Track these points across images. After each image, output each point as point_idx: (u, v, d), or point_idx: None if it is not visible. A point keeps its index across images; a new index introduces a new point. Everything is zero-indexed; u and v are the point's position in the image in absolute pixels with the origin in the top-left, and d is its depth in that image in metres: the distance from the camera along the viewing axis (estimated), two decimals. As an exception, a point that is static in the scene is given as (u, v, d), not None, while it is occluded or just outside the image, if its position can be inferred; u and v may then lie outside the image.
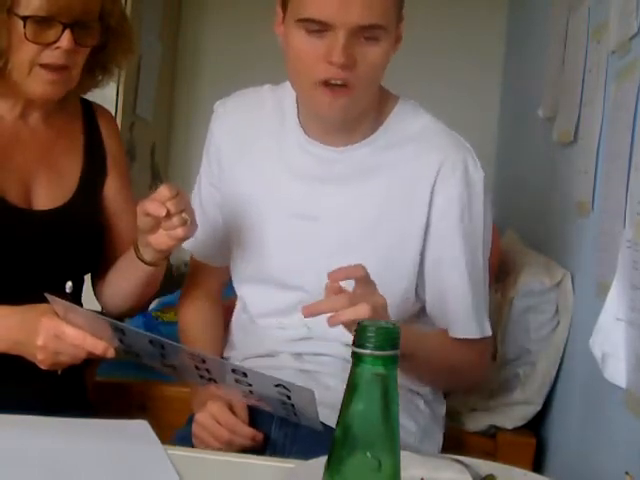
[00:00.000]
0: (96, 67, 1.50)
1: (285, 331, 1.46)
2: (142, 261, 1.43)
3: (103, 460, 1.08)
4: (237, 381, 1.21)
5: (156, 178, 3.44)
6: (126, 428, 1.20)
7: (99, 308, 1.63)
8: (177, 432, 1.45)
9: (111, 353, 1.23)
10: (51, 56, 1.38)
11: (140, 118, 3.08)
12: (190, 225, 1.32)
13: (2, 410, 1.15)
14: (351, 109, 1.35)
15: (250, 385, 1.21)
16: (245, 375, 1.18)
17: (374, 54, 1.30)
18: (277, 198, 1.44)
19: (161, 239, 1.35)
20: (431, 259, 1.42)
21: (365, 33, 1.28)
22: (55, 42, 1.37)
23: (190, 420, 1.42)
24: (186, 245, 1.46)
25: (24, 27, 1.35)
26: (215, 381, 1.25)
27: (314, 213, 1.42)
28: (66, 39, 1.37)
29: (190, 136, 3.54)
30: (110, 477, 1.04)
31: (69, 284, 1.37)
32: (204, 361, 1.20)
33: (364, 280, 1.21)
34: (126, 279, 1.51)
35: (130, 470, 1.06)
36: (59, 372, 1.33)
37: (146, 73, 3.05)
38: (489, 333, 1.47)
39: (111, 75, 1.54)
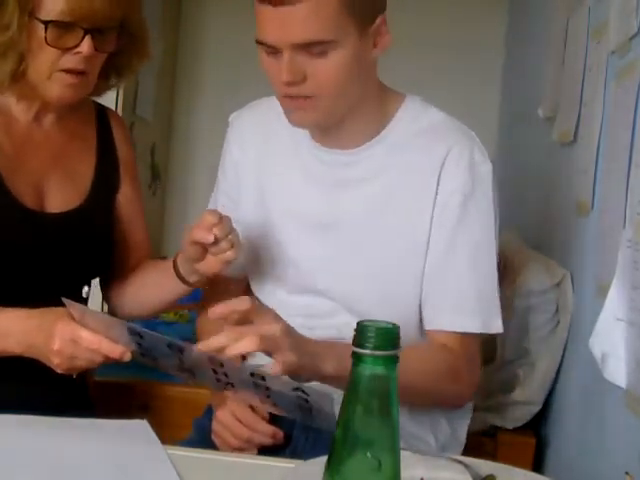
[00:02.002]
0: (111, 72, 1.50)
1: (312, 331, 1.45)
2: (185, 282, 1.46)
3: (103, 460, 1.08)
4: (256, 385, 1.19)
5: (156, 178, 3.44)
6: (126, 428, 1.20)
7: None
8: (194, 421, 1.48)
9: (128, 357, 1.21)
10: (71, 61, 1.37)
11: (140, 118, 3.09)
12: (237, 247, 1.34)
13: (3, 410, 1.15)
14: (323, 117, 1.36)
15: (268, 389, 1.20)
16: (263, 379, 1.17)
17: (323, 67, 1.30)
18: (297, 207, 1.45)
19: (210, 264, 1.38)
20: (434, 248, 1.40)
21: (311, 49, 1.29)
22: (75, 47, 1.36)
23: (208, 411, 1.44)
24: None
25: (45, 31, 1.34)
26: (232, 385, 1.24)
27: (333, 219, 1.42)
28: (86, 45, 1.36)
29: (190, 136, 3.54)
30: (110, 477, 1.04)
31: (86, 289, 1.36)
32: (222, 365, 1.18)
33: (254, 311, 1.19)
34: (157, 292, 1.54)
35: (130, 470, 1.06)
36: (74, 376, 1.32)
37: (146, 73, 3.05)
38: (498, 329, 1.42)
39: (125, 79, 1.54)
